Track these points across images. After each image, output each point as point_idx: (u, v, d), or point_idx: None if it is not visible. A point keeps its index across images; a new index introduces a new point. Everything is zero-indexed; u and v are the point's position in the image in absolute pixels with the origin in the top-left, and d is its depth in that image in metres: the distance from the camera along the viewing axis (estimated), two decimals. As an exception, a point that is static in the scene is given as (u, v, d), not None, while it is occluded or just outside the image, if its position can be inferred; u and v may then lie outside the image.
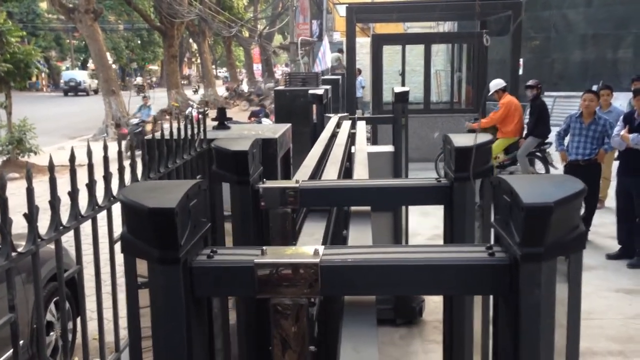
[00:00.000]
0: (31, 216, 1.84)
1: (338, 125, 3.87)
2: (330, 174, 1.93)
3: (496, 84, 9.72)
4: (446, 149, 1.54)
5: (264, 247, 1.03)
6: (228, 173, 1.46)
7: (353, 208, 1.64)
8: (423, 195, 1.60)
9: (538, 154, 9.61)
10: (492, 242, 1.02)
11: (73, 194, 2.08)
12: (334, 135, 3.36)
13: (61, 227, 2.02)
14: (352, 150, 3.05)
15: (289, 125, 3.93)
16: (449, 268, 0.96)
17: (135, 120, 15.64)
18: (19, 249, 1.77)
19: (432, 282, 0.97)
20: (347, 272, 0.98)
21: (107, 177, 2.35)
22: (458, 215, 1.44)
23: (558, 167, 8.77)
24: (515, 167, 9.64)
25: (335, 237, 1.63)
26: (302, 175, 1.71)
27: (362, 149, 3.08)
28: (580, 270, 0.97)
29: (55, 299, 4.61)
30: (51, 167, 1.95)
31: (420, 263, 0.97)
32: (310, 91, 5.27)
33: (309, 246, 1.02)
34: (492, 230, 1.06)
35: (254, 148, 1.47)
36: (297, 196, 1.48)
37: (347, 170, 2.63)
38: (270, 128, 4.35)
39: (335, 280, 0.97)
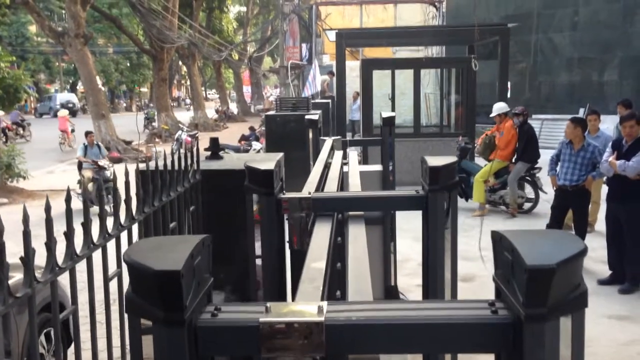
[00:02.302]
0: (27, 259, 1.83)
1: (331, 154, 3.91)
2: (331, 188, 2.47)
3: (500, 107, 9.83)
4: (423, 168, 1.94)
5: (268, 304, 1.03)
6: (258, 187, 1.85)
7: (351, 212, 2.08)
8: (406, 203, 2.06)
9: (528, 178, 9.70)
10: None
11: (69, 234, 2.08)
12: (326, 167, 3.43)
13: (57, 269, 2.01)
14: (345, 170, 3.50)
15: (281, 154, 3.97)
16: (453, 326, 0.97)
17: (105, 163, 11.24)
18: (16, 294, 1.76)
19: (437, 341, 0.98)
20: (351, 330, 0.98)
21: (102, 215, 2.35)
22: (432, 218, 1.87)
23: (548, 191, 8.86)
24: (505, 192, 9.72)
25: (337, 236, 2.02)
26: (310, 188, 2.18)
27: (355, 181, 3.16)
28: (583, 327, 0.99)
29: (45, 330, 4.57)
30: (47, 209, 1.94)
31: (425, 321, 0.98)
32: (307, 116, 5.61)
33: (312, 304, 1.03)
34: (494, 284, 1.07)
35: (277, 167, 1.84)
36: (310, 204, 1.91)
37: (342, 187, 3.13)
38: (264, 158, 4.36)
39: (340, 340, 0.97)
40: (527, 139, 9.41)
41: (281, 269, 1.84)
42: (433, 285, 1.93)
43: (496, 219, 9.54)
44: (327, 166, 3.21)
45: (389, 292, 5.63)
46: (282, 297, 1.88)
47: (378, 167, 5.31)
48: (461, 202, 10.05)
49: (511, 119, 9.66)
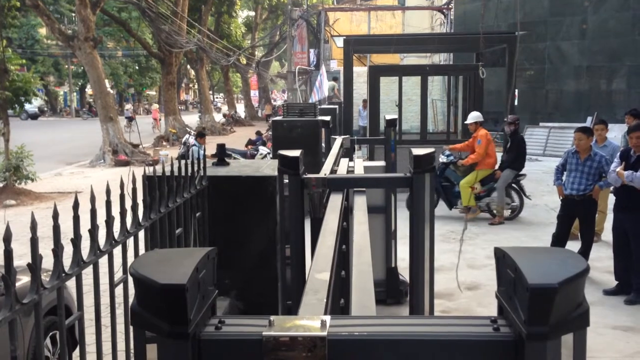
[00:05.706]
0: (35, 266, 1.85)
1: (338, 156, 4.00)
2: (341, 172, 3.18)
3: (476, 116, 10.16)
4: (409, 157, 2.44)
5: (271, 318, 1.03)
6: (287, 169, 2.38)
7: (356, 189, 2.68)
8: (397, 182, 2.77)
9: (514, 185, 9.90)
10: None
11: (76, 241, 2.10)
12: (335, 162, 3.61)
13: (64, 275, 2.03)
14: (352, 165, 3.96)
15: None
16: (456, 343, 0.97)
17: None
18: (23, 300, 1.78)
19: (439, 357, 0.98)
20: (353, 345, 0.99)
21: (108, 222, 2.37)
22: (416, 194, 2.42)
23: (532, 198, 9.17)
24: (491, 198, 9.87)
25: (346, 211, 2.58)
26: (325, 171, 2.83)
27: (360, 170, 3.65)
28: (585, 346, 0.99)
29: (51, 333, 4.58)
30: (55, 216, 1.96)
31: (427, 338, 0.98)
32: (319, 117, 6.13)
33: (315, 318, 1.03)
34: (497, 301, 1.08)
35: (301, 155, 2.39)
36: (326, 182, 2.48)
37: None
38: (270, 165, 4.37)
39: (343, 354, 0.98)
40: (518, 149, 9.75)
41: (302, 230, 2.38)
42: (416, 250, 2.42)
43: (483, 226, 9.56)
44: (336, 163, 3.76)
45: (390, 272, 6.01)
46: (303, 257, 2.38)
47: (381, 163, 6.29)
48: (451, 210, 10.12)
49: (480, 127, 9.96)
